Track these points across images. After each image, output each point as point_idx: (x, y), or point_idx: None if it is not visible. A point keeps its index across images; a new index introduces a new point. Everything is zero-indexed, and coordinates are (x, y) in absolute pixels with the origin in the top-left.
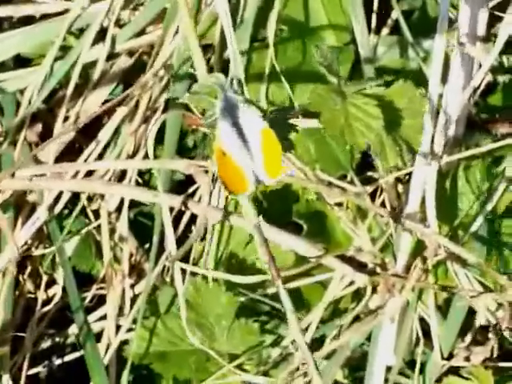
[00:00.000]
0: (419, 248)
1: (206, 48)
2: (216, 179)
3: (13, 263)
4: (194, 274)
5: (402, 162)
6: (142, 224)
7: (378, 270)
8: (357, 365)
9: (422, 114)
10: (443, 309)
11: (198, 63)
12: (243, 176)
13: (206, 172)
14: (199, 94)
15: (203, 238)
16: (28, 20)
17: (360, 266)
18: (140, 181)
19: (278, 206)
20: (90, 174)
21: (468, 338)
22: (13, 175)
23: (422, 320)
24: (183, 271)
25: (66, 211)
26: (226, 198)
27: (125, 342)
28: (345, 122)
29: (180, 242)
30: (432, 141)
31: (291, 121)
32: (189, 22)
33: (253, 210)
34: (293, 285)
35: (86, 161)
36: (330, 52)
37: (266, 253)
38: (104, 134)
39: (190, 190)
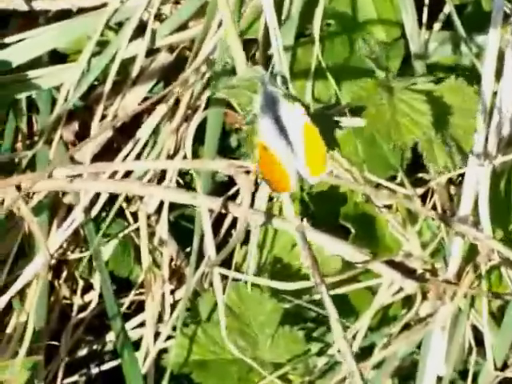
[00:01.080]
0: (472, 253)
1: (250, 43)
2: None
3: (45, 268)
4: (236, 279)
5: (451, 162)
6: (183, 227)
7: (429, 276)
8: (407, 375)
9: (474, 113)
10: (497, 316)
11: (236, 56)
12: (286, 173)
13: (248, 173)
14: (238, 87)
15: (246, 242)
16: (64, 14)
17: (409, 272)
18: (181, 182)
19: (324, 209)
20: (128, 174)
21: None
22: (49, 176)
23: (474, 328)
24: (225, 277)
25: (104, 214)
26: (270, 198)
27: (164, 350)
28: (391, 118)
29: (222, 246)
30: (486, 140)
31: (336, 118)
32: (228, 14)
33: (294, 210)
34: (339, 291)
35: (124, 160)
36: (378, 45)
37: (309, 256)
38: (143, 133)
39: (231, 192)
